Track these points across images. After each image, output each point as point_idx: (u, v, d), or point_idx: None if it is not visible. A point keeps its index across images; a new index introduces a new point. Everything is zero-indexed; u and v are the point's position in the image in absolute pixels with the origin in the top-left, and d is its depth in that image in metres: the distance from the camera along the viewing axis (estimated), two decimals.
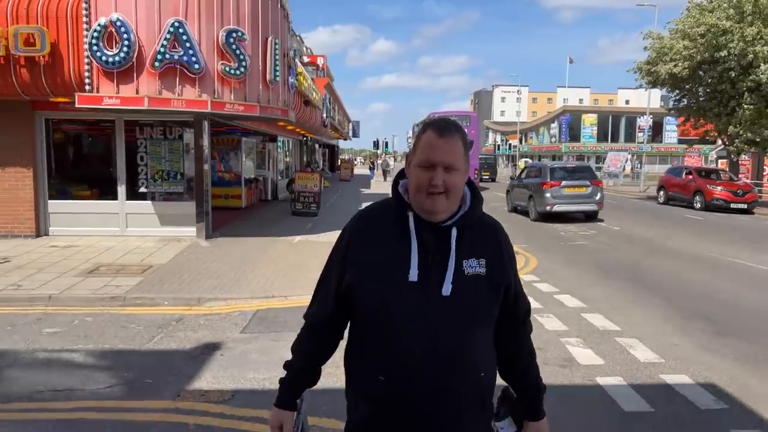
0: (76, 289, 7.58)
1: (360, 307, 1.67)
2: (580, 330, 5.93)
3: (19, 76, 9.36)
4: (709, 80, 21.34)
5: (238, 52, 9.74)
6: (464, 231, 1.66)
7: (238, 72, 9.78)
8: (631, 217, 18.03)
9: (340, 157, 60.09)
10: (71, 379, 4.82)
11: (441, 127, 1.62)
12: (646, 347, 5.41)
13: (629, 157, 51.66)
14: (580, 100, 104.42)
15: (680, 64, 21.14)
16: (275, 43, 10.65)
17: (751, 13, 19.47)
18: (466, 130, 14.02)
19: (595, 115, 74.36)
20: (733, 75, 20.09)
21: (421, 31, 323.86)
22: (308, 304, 1.84)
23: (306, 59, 31.84)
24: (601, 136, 74.46)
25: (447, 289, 1.59)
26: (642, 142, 70.63)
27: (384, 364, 1.61)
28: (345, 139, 57.43)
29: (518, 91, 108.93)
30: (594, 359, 5.09)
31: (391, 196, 1.75)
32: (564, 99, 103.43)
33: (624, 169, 48.52)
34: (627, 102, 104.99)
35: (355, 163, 74.84)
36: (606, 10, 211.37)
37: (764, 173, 28.51)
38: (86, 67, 9.28)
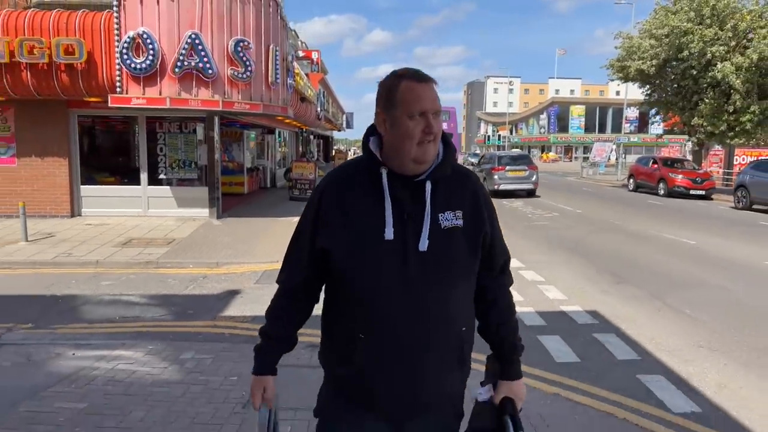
0: (116, 256, 9.35)
1: (336, 268, 1.64)
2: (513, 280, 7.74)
3: (60, 80, 11.07)
4: (673, 77, 23.19)
5: (244, 58, 11.47)
6: (438, 183, 1.63)
7: (244, 76, 11.52)
8: (597, 202, 19.88)
9: (335, 147, 61.66)
10: (134, 311, 6.62)
11: (418, 75, 1.61)
12: (558, 290, 7.26)
13: (614, 147, 53.33)
14: (572, 91, 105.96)
15: (648, 62, 22.95)
16: (275, 50, 12.38)
17: (709, 16, 21.28)
18: (445, 124, 16.52)
19: (583, 107, 76.35)
20: (694, 72, 21.94)
21: (418, 22, 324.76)
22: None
23: (301, 53, 33.36)
24: (591, 127, 76.45)
25: (423, 244, 1.57)
26: (628, 133, 72.18)
27: (363, 323, 1.60)
28: (339, 130, 59.13)
29: (510, 82, 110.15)
30: (516, 297, 6.87)
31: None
32: (556, 90, 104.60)
33: (609, 159, 49.93)
34: (617, 93, 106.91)
35: (350, 153, 76.39)
36: (602, 1, 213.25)
37: (735, 163, 30.46)
38: (117, 72, 11.00)
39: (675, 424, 3.87)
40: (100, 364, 4.72)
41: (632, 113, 67.30)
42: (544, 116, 78.84)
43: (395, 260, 1.57)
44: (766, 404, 4.21)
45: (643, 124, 74.18)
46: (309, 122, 24.26)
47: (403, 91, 1.58)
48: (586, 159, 58.57)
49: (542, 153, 78.79)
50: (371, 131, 1.69)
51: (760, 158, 20.89)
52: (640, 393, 4.35)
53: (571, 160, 72.50)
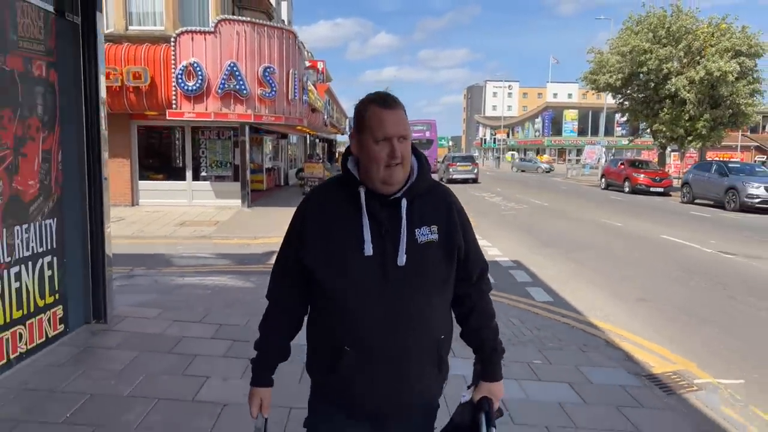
0: (177, 233, 12.52)
1: (320, 284, 1.72)
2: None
3: (129, 99, 14.26)
4: (637, 88, 26.38)
5: (270, 81, 14.64)
6: (414, 200, 1.72)
7: (270, 95, 14.69)
8: (566, 198, 23.02)
9: (337, 149, 64.91)
10: (207, 262, 9.76)
11: (384, 100, 1.70)
12: (498, 250, 10.40)
13: (603, 149, 56.02)
14: (569, 95, 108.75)
15: (614, 75, 26.15)
16: (294, 73, 15.57)
17: (665, 36, 24.45)
18: (428, 134, 22.22)
19: (576, 111, 79.47)
20: (653, 85, 25.13)
21: (423, 25, 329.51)
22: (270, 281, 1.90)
23: (307, 64, 36.63)
24: (585, 131, 79.51)
25: (402, 259, 1.66)
26: (620, 136, 74.62)
27: (348, 335, 1.69)
28: (342, 134, 62.53)
29: (509, 86, 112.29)
30: None
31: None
32: (554, 94, 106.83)
33: (598, 161, 52.61)
34: (614, 98, 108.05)
35: None
36: (604, 3, 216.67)
37: None
38: (173, 92, 14.18)
39: (534, 304, 7.00)
40: (203, 281, 7.86)
41: (623, 117, 70.43)
42: (538, 120, 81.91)
43: (375, 274, 1.66)
44: (592, 297, 7.35)
45: (634, 129, 76.82)
46: (317, 128, 27.49)
47: (369, 117, 1.68)
48: (577, 161, 61.65)
49: (537, 155, 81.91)
50: (350, 151, 1.78)
51: (698, 161, 24.02)
52: (524, 295, 7.48)
53: (564, 162, 75.53)
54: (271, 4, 29.45)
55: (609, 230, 13.33)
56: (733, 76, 22.75)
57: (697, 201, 20.76)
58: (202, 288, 7.32)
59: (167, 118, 14.22)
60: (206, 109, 14.26)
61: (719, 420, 4.10)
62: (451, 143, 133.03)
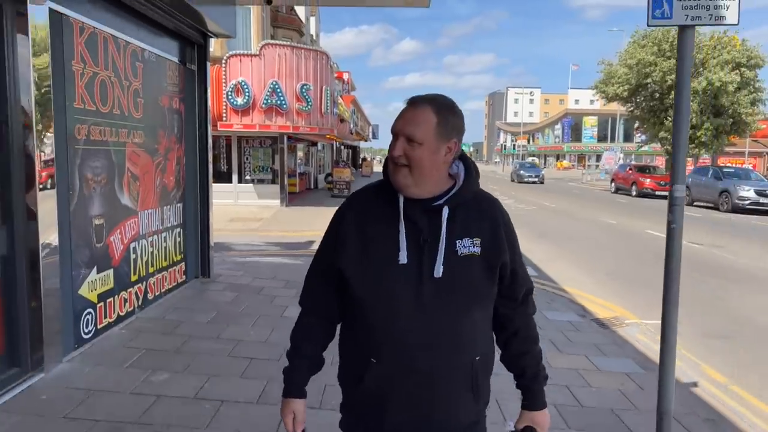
0: (230, 226, 14.73)
1: (352, 291, 1.66)
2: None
3: None
4: (643, 98, 28.09)
5: (307, 97, 16.85)
6: (457, 209, 1.64)
7: (306, 109, 16.90)
8: (575, 201, 24.79)
9: (361, 156, 67.41)
10: (260, 248, 11.91)
11: (414, 97, 1.63)
12: None
13: (621, 155, 57.20)
14: (591, 102, 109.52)
15: (622, 86, 27.91)
16: (327, 90, 17.77)
17: (669, 49, 26.14)
18: None
19: (595, 118, 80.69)
20: (658, 95, 26.83)
21: (448, 30, 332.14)
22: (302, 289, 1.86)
23: (334, 75, 39.10)
24: (605, 137, 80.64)
25: (439, 270, 1.58)
26: (639, 142, 75.79)
27: (376, 347, 1.63)
28: (365, 140, 65.03)
29: (531, 92, 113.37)
30: None
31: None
32: (575, 100, 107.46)
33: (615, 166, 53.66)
34: (623, 106, 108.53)
35: (375, 161, 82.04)
36: (631, 8, 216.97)
37: None
38: (224, 107, 16.46)
39: None
40: (262, 260, 10.00)
41: (636, 124, 71.39)
42: (558, 126, 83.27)
43: (409, 285, 1.58)
44: (569, 273, 9.30)
45: (652, 135, 77.51)
46: (344, 136, 29.74)
47: None
48: (596, 166, 63.05)
49: (557, 161, 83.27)
50: None
51: (698, 165, 25.61)
52: None
53: (584, 168, 76.78)
54: (302, 21, 31.95)
55: (601, 226, 15.20)
56: (733, 86, 24.33)
57: (695, 203, 22.39)
58: (263, 263, 9.48)
59: (218, 129, 16.49)
60: (252, 122, 16.52)
61: (631, 340, 6.07)
62: (472, 149, 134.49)
